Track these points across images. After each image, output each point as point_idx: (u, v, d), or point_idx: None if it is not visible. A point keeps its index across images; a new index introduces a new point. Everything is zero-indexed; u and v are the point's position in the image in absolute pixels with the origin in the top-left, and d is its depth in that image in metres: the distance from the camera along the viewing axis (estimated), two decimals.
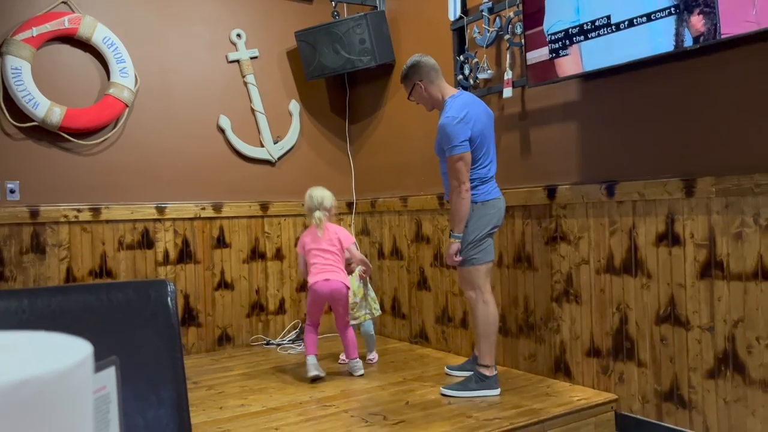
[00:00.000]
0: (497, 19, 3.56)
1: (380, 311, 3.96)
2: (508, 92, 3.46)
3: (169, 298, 1.10)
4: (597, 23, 2.86)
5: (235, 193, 4.55)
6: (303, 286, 4.65)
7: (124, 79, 4.09)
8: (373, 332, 3.93)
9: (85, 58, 4.08)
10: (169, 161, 4.32)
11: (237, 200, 4.55)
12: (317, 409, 3.06)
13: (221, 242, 4.49)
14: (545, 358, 3.43)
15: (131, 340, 1.05)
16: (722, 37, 2.41)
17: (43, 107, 3.82)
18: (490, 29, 3.59)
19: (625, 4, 2.74)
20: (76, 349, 0.37)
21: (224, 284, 4.49)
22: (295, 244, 4.52)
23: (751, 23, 2.32)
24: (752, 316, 2.51)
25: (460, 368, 3.51)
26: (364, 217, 4.94)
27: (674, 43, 2.58)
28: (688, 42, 2.53)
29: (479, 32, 3.67)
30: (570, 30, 2.99)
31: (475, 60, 3.73)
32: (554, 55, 3.08)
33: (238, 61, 4.60)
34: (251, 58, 4.64)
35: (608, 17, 2.81)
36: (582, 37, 2.94)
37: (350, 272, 3.76)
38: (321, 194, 3.64)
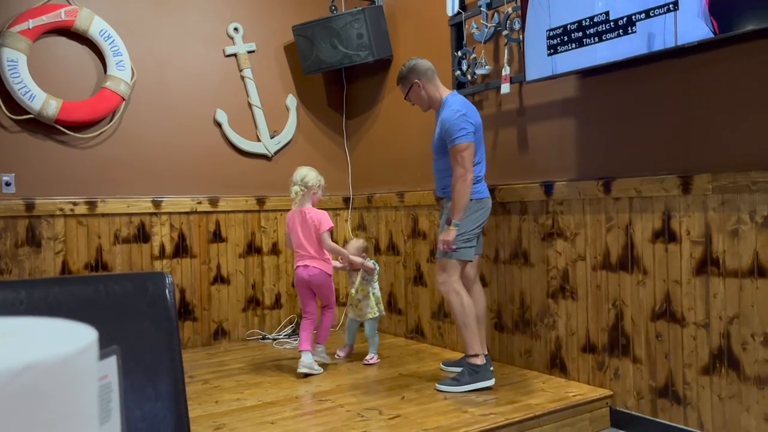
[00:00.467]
0: (495, 14, 3.55)
1: (383, 312, 3.85)
2: (505, 88, 3.46)
3: (167, 291, 1.09)
4: (596, 20, 2.86)
5: (231, 188, 4.54)
6: None
7: (121, 72, 4.07)
8: (374, 334, 3.82)
9: (81, 51, 4.06)
10: (165, 155, 4.30)
11: (233, 195, 4.54)
12: (313, 403, 3.06)
13: (217, 236, 4.48)
14: (541, 354, 3.44)
15: (129, 333, 1.04)
16: (719, 35, 2.42)
17: (39, 100, 3.81)
18: (489, 25, 3.59)
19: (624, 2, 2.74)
20: (81, 335, 0.37)
21: (220, 279, 4.48)
22: None
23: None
24: (747, 313, 2.52)
25: (456, 364, 3.51)
26: (361, 213, 4.94)
27: (673, 41, 2.58)
28: (685, 39, 2.53)
29: (477, 28, 3.66)
30: (569, 26, 2.99)
31: (473, 56, 3.73)
32: (552, 51, 3.08)
33: (235, 55, 4.59)
34: (248, 52, 4.63)
35: (607, 13, 2.81)
36: (580, 33, 2.94)
37: (355, 268, 3.77)
38: (305, 172, 3.70)
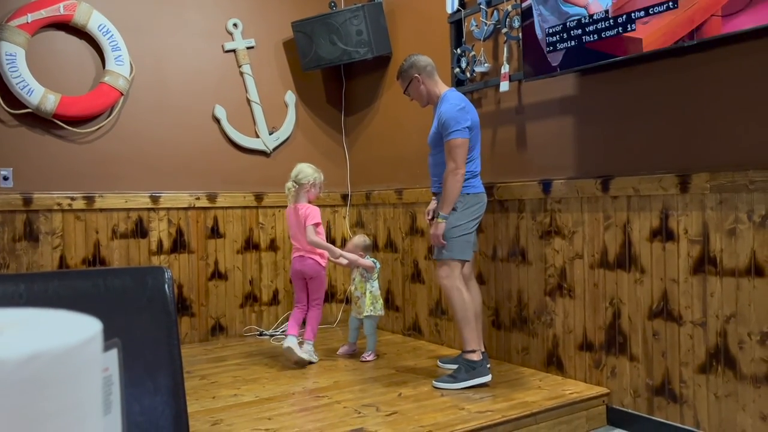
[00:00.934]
0: (495, 12, 3.55)
1: (380, 311, 3.78)
2: (504, 86, 3.46)
3: (166, 285, 1.09)
4: (595, 17, 2.86)
5: (229, 184, 4.54)
6: None
7: (120, 67, 4.07)
8: (373, 332, 3.80)
9: (80, 46, 4.05)
10: (163, 150, 4.30)
11: (231, 190, 4.54)
12: (310, 399, 3.06)
13: (215, 232, 4.48)
14: (538, 352, 3.44)
15: (128, 327, 1.04)
16: (719, 34, 2.42)
17: (37, 94, 3.80)
18: (488, 22, 3.59)
19: None
20: (86, 326, 0.37)
21: (218, 274, 4.48)
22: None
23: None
24: (744, 311, 2.53)
25: (453, 361, 3.52)
26: (359, 209, 4.94)
27: (671, 40, 2.58)
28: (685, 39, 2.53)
29: (477, 25, 3.66)
30: (568, 24, 2.99)
31: (473, 53, 3.73)
32: (552, 48, 3.08)
33: (234, 50, 4.58)
34: (247, 48, 4.62)
35: (607, 12, 2.81)
36: (579, 31, 2.94)
37: (353, 265, 3.79)
38: (300, 168, 3.79)
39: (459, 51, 3.80)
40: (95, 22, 3.99)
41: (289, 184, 3.75)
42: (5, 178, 3.81)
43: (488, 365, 3.21)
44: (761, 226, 2.47)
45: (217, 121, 4.51)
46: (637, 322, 2.94)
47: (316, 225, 3.68)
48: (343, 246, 4.26)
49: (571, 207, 3.24)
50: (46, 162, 3.93)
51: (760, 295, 2.48)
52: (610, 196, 3.03)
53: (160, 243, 4.27)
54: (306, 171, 3.76)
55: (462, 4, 3.81)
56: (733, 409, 2.58)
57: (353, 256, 3.77)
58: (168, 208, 4.30)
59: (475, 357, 3.15)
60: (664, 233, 2.82)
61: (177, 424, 1.04)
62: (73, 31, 4.00)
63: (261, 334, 4.55)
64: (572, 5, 2.96)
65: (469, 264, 3.35)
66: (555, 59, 3.08)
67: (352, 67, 4.87)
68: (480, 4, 3.61)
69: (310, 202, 3.79)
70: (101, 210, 4.08)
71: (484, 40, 3.64)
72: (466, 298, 3.16)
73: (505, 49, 3.50)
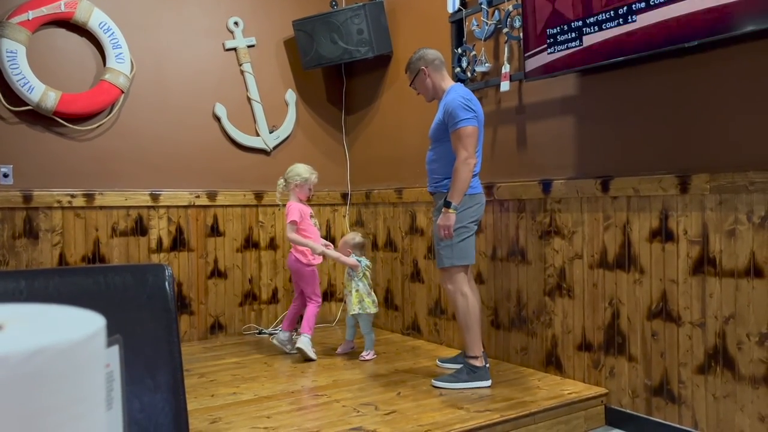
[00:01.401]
0: (496, 12, 3.55)
1: (367, 310, 3.72)
2: (505, 86, 3.47)
3: (166, 283, 1.09)
4: (596, 17, 2.86)
5: (229, 182, 4.54)
6: None
7: (120, 64, 4.07)
8: (370, 331, 3.79)
9: (81, 43, 4.05)
10: (163, 148, 4.30)
11: (231, 189, 4.54)
12: (309, 398, 3.07)
13: (215, 231, 4.48)
14: (537, 352, 3.45)
15: (128, 324, 1.04)
16: (719, 34, 2.42)
17: (38, 91, 3.80)
18: (489, 22, 3.59)
19: None
20: (89, 321, 0.37)
21: (217, 273, 4.48)
22: None
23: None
24: (743, 312, 2.53)
25: (452, 361, 3.52)
26: (359, 208, 4.94)
27: (672, 40, 2.58)
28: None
29: (478, 25, 3.66)
30: (569, 24, 2.99)
31: (473, 53, 3.73)
32: (552, 49, 3.08)
33: (235, 49, 4.58)
34: (248, 46, 4.62)
35: (607, 11, 2.81)
36: (580, 31, 2.94)
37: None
38: (293, 167, 3.94)
39: (460, 50, 3.80)
40: (96, 19, 3.99)
41: (280, 180, 3.93)
42: (5, 176, 3.81)
43: (488, 365, 3.21)
44: (761, 227, 2.47)
45: (218, 119, 4.51)
46: (636, 323, 2.94)
47: (293, 222, 3.77)
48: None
49: (571, 207, 3.24)
50: (46, 159, 3.93)
51: (759, 296, 2.48)
52: (610, 196, 3.03)
53: (159, 241, 4.27)
54: (297, 171, 3.87)
55: (463, 4, 3.81)
56: (732, 409, 2.58)
57: (335, 254, 3.79)
58: (168, 206, 4.30)
59: (478, 363, 3.15)
60: (663, 234, 2.82)
61: (177, 421, 1.04)
62: (74, 28, 4.00)
63: (260, 333, 4.55)
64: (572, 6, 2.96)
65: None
66: (555, 59, 3.08)
67: (352, 66, 4.87)
68: (481, 3, 3.61)
69: (301, 201, 3.83)
70: (101, 208, 4.08)
71: (485, 39, 3.64)
72: (470, 303, 3.15)
73: (506, 49, 3.50)
